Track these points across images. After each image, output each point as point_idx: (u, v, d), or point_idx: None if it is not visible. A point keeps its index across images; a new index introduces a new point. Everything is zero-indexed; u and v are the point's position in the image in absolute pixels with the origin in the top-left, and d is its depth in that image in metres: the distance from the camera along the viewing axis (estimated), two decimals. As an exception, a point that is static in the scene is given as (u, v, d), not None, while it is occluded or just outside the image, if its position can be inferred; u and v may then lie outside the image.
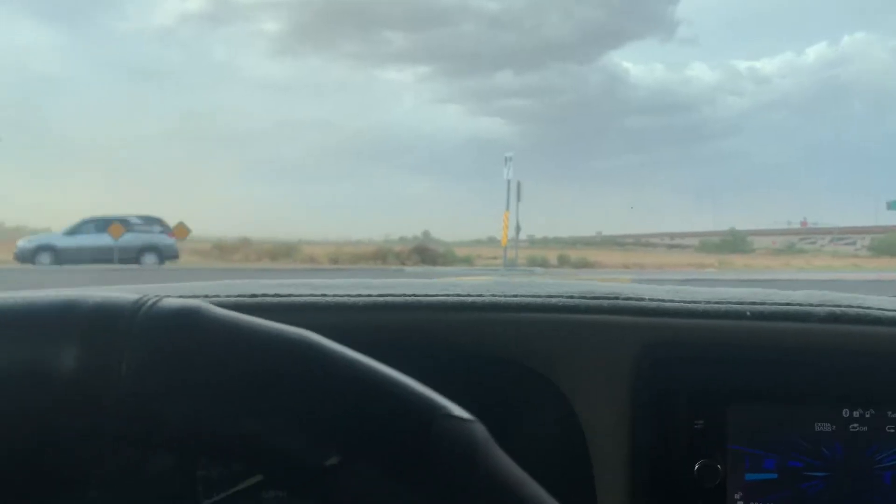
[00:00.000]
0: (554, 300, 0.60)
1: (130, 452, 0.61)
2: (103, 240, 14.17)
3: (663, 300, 0.61)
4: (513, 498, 0.27)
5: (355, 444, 0.26)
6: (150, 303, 0.28)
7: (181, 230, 15.85)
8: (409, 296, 0.59)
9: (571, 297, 0.61)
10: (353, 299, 0.58)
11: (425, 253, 19.42)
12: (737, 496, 0.59)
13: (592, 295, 0.62)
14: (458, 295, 0.60)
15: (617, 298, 0.61)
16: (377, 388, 0.28)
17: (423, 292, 0.60)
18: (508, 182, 15.34)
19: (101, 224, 14.53)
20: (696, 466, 0.58)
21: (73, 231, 14.64)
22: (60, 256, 13.81)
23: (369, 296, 0.59)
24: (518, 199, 15.33)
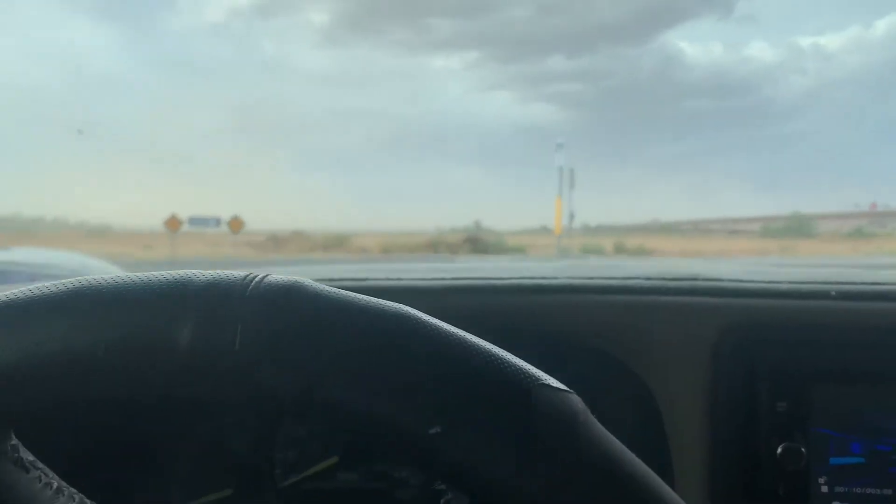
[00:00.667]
0: (631, 282, 0.60)
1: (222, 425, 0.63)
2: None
3: (743, 280, 0.60)
4: (613, 465, 0.27)
5: (457, 413, 0.27)
6: (257, 279, 0.29)
7: (236, 223, 16.22)
8: (484, 279, 0.60)
9: (649, 278, 0.61)
10: (428, 282, 0.59)
11: (476, 243, 19.44)
12: (821, 480, 0.57)
13: (671, 276, 0.61)
14: (533, 277, 0.60)
15: (696, 279, 0.60)
16: (476, 359, 0.28)
17: (498, 275, 0.60)
18: (561, 169, 15.19)
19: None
20: (779, 450, 0.57)
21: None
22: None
23: (443, 279, 0.59)
24: (571, 186, 15.17)
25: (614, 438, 0.28)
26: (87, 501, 0.35)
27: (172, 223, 14.88)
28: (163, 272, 0.30)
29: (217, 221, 16.54)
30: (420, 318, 0.29)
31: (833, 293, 0.59)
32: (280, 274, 0.30)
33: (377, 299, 0.29)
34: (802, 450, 0.57)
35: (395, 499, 0.65)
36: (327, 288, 0.30)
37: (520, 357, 0.37)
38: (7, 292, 0.29)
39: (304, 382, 0.27)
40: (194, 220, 16.45)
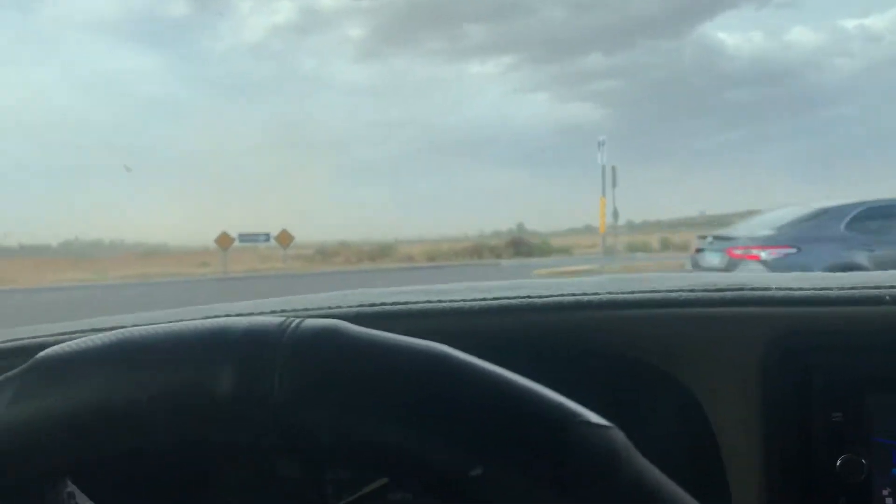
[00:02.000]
0: (674, 295, 0.59)
1: (269, 460, 0.64)
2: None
3: (792, 288, 0.59)
4: (657, 502, 0.27)
5: (496, 454, 0.27)
6: (293, 325, 0.29)
7: (285, 237, 16.49)
8: (524, 297, 0.59)
9: (693, 290, 0.59)
10: (468, 304, 0.59)
11: (520, 245, 19.36)
12: (885, 492, 0.55)
13: (715, 287, 0.60)
14: (574, 294, 0.59)
15: (742, 289, 0.59)
16: (512, 398, 0.28)
17: (538, 293, 0.60)
18: (603, 167, 15.04)
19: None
20: (839, 462, 0.55)
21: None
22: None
23: (483, 299, 0.59)
24: (613, 184, 15.00)
25: (659, 472, 0.28)
26: None
27: (223, 240, 15.23)
28: (201, 321, 0.31)
29: (267, 237, 16.87)
30: (455, 357, 0.29)
31: (887, 297, 0.57)
32: (316, 317, 0.30)
33: (412, 339, 0.30)
34: (863, 461, 0.55)
35: None
36: (363, 330, 0.30)
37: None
38: (55, 347, 0.30)
39: (339, 425, 0.28)
40: (244, 237, 16.79)
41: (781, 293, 0.58)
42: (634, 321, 0.57)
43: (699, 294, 0.59)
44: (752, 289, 0.59)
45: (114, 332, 0.31)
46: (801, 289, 0.59)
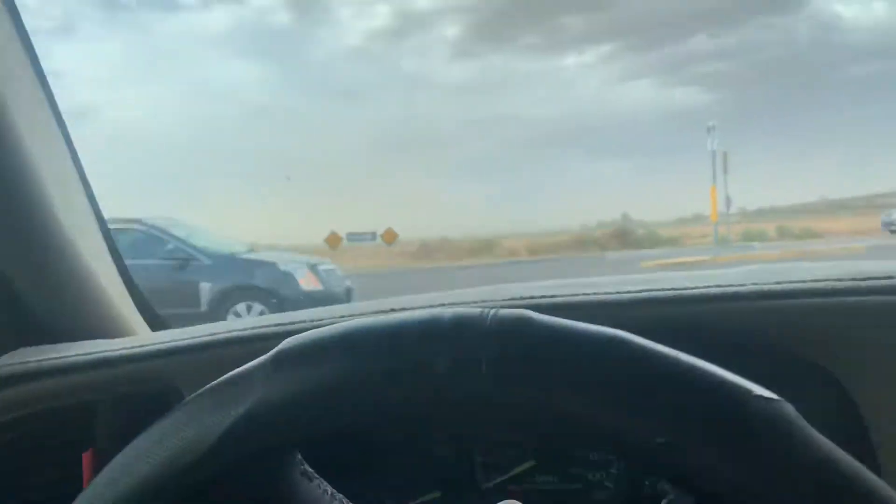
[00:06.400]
0: (821, 284, 0.59)
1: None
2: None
3: None
4: (829, 463, 0.29)
5: (681, 424, 0.30)
6: (492, 313, 0.34)
7: (390, 235, 16.86)
8: (671, 289, 0.62)
9: (840, 279, 0.60)
10: (616, 296, 0.62)
11: (626, 237, 18.87)
12: None
13: (863, 276, 0.60)
14: (720, 285, 0.61)
15: (891, 277, 0.59)
16: (692, 375, 0.32)
17: (684, 285, 0.62)
18: (713, 153, 14.44)
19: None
20: None
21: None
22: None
23: (630, 291, 0.62)
24: (725, 170, 14.38)
25: (827, 440, 0.31)
26: None
27: (332, 240, 15.76)
28: (416, 312, 0.36)
29: (374, 236, 17.30)
30: (635, 340, 0.33)
31: None
32: (506, 308, 0.35)
33: (591, 325, 0.34)
34: None
35: (592, 499, 0.69)
36: (548, 317, 0.34)
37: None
38: (298, 336, 0.36)
39: (539, 400, 0.32)
40: (352, 237, 17.31)
41: None
42: (783, 311, 0.59)
43: (847, 283, 0.59)
44: None
45: (345, 322, 0.36)
46: None
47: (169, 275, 6.63)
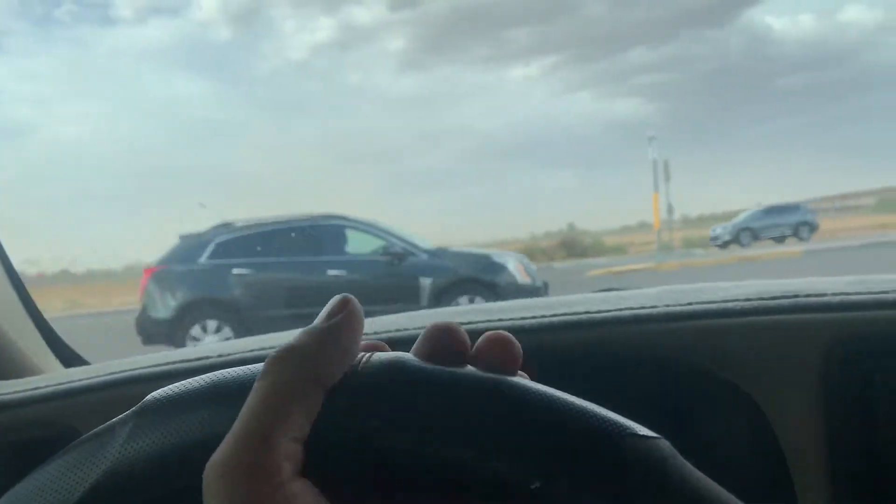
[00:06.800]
0: (730, 304, 0.60)
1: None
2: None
3: (848, 293, 0.59)
4: (703, 500, 0.29)
5: (554, 467, 0.29)
6: (364, 358, 0.33)
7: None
8: (583, 313, 0.61)
9: (748, 299, 0.60)
10: (527, 321, 0.61)
11: (573, 246, 19.16)
12: None
13: (770, 295, 0.60)
14: (632, 308, 0.61)
15: (797, 297, 0.59)
16: (567, 415, 0.31)
17: (596, 308, 0.62)
18: (654, 162, 14.80)
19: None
20: None
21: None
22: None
23: (543, 316, 0.61)
24: (666, 178, 14.75)
25: (703, 476, 0.30)
26: None
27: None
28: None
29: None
30: (508, 382, 0.32)
31: None
32: (386, 341, 0.34)
33: (469, 371, 0.32)
34: None
35: None
36: (424, 364, 0.33)
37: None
38: (161, 390, 0.34)
39: (414, 440, 0.31)
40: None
41: (837, 299, 0.58)
42: (693, 332, 0.59)
43: (755, 303, 0.60)
44: (808, 295, 0.60)
45: (208, 375, 0.34)
46: (857, 293, 0.59)
47: (385, 270, 6.22)
